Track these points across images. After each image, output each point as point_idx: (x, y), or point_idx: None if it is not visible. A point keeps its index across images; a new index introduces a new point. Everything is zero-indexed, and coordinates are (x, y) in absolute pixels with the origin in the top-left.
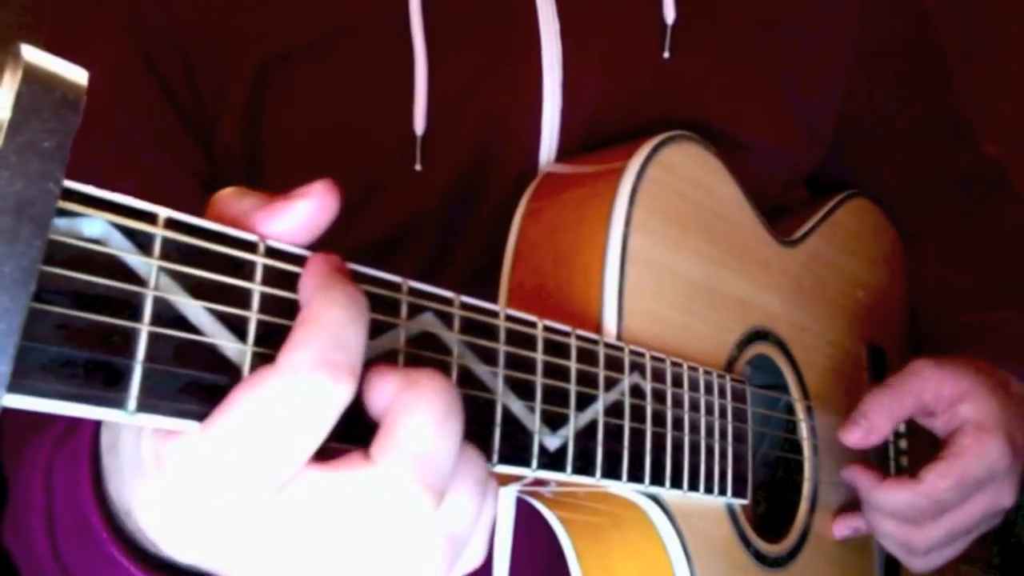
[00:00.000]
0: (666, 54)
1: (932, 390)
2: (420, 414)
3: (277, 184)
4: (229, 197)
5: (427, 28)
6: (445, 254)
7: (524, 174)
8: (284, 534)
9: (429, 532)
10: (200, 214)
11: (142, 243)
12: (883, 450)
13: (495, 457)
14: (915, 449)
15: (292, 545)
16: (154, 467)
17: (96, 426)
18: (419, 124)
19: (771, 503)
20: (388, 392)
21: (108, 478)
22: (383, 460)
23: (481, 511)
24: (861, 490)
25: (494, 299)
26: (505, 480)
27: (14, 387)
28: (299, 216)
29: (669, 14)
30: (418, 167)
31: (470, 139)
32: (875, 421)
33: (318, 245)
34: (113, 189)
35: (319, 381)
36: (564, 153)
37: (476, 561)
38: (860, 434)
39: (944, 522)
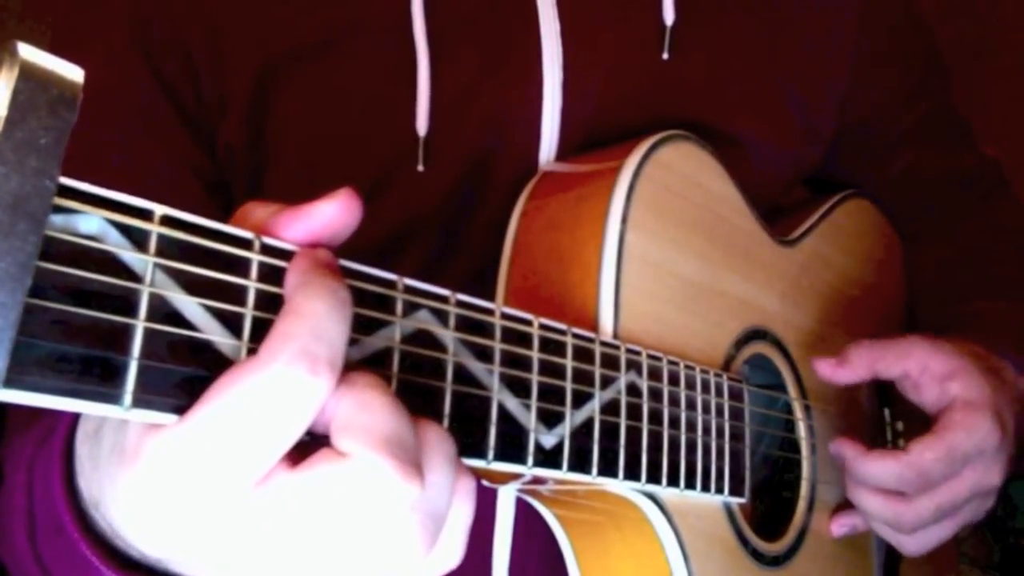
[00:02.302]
0: (666, 55)
1: (917, 360)
2: (376, 403)
3: (280, 184)
4: (249, 207)
5: (429, 30)
6: (446, 254)
7: (525, 175)
8: (260, 531)
9: (410, 509)
10: (202, 214)
11: (138, 240)
12: (880, 431)
13: (491, 454)
14: (911, 431)
15: (269, 542)
16: (132, 456)
17: (72, 422)
18: (422, 125)
19: (769, 502)
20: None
21: (80, 471)
22: (358, 453)
23: (454, 486)
24: (848, 461)
25: (494, 298)
26: (504, 479)
27: (10, 382)
28: (321, 219)
29: (669, 15)
30: (420, 168)
31: (472, 140)
32: (850, 357)
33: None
34: (113, 189)
35: (297, 373)
36: (564, 154)
37: (454, 555)
38: (832, 362)
39: (933, 497)
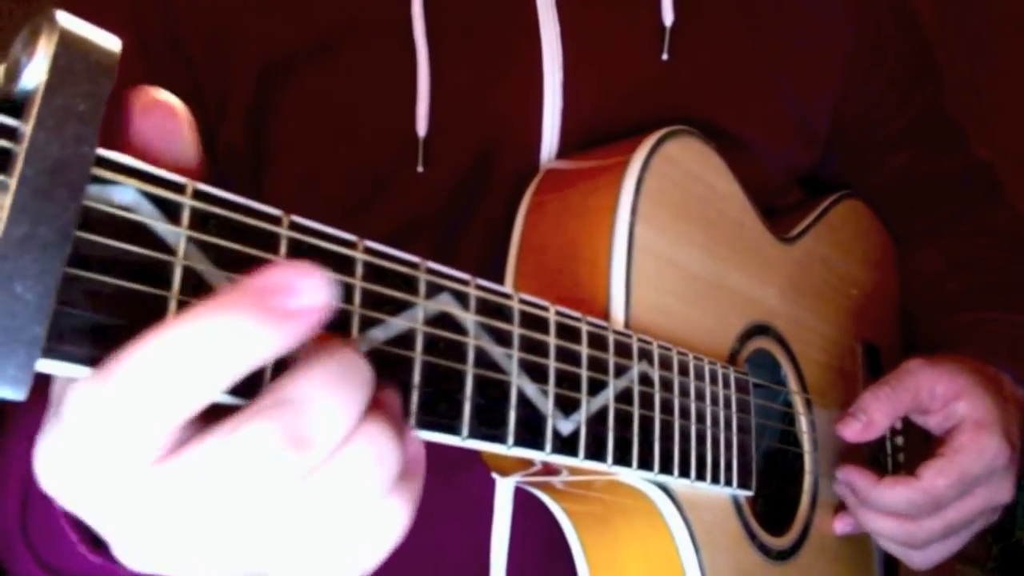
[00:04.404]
0: (665, 56)
1: (927, 388)
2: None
3: (281, 185)
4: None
5: (429, 31)
6: (446, 255)
7: (525, 175)
8: (170, 503)
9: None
10: None
11: (171, 212)
12: (880, 446)
13: (511, 439)
14: (911, 445)
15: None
16: (54, 412)
17: None
18: (421, 126)
19: (772, 497)
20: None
21: None
22: (256, 417)
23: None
24: (859, 490)
25: None
26: (511, 469)
27: (48, 351)
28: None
29: (668, 16)
30: (420, 169)
31: (472, 141)
32: (874, 416)
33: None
34: None
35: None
36: (565, 154)
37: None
38: (859, 427)
39: (943, 517)
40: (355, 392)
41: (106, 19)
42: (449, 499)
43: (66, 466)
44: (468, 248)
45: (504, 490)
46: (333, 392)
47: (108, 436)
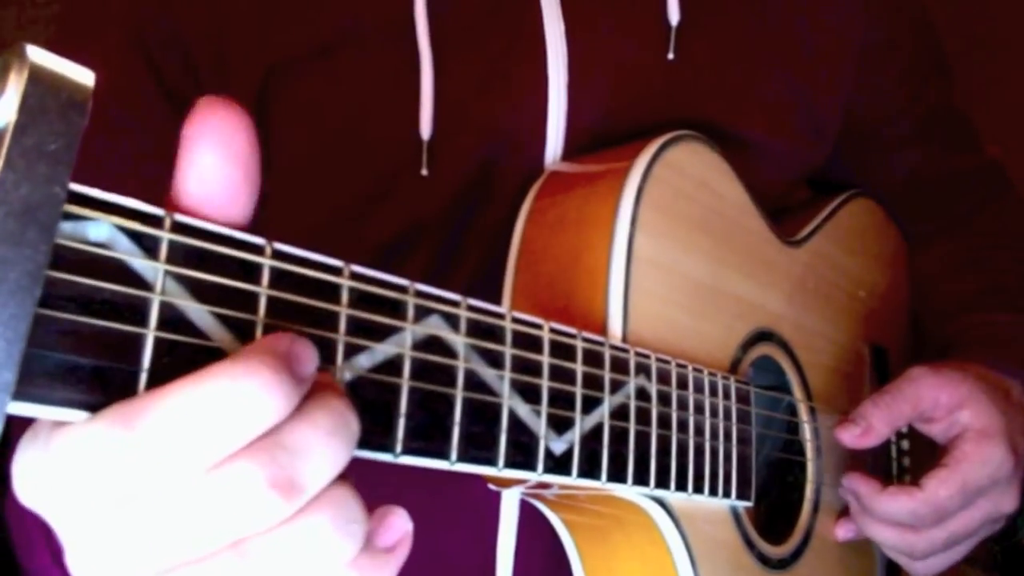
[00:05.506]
0: (671, 55)
1: (930, 397)
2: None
3: (283, 190)
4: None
5: (432, 33)
6: (451, 259)
7: (530, 178)
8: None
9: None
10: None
11: (148, 247)
12: (885, 451)
13: (501, 462)
14: (916, 450)
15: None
16: (44, 438)
17: None
18: (425, 130)
19: (774, 505)
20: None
21: None
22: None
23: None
24: (862, 498)
25: (499, 302)
26: (510, 482)
27: (19, 395)
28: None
29: (674, 15)
30: (424, 172)
31: (476, 144)
32: (873, 423)
33: (327, 246)
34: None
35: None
36: (570, 156)
37: None
38: (857, 432)
39: (946, 527)
40: (344, 447)
41: (105, 22)
42: (454, 506)
43: (49, 491)
44: (473, 252)
45: (510, 498)
46: (323, 444)
47: (112, 481)
